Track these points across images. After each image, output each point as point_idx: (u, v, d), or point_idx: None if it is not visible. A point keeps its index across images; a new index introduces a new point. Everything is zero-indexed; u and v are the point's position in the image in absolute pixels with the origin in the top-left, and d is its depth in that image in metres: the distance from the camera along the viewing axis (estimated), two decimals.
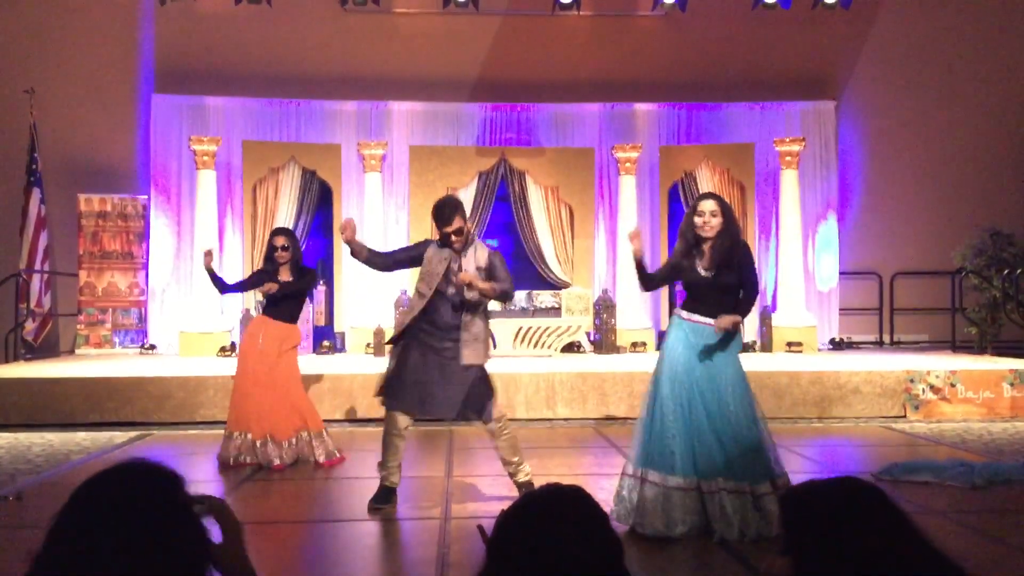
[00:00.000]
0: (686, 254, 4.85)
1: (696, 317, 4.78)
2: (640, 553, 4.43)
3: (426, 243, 5.66)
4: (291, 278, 6.72)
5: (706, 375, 4.68)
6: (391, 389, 5.42)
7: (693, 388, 4.67)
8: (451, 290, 5.34)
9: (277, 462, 6.58)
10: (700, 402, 4.65)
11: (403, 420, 5.43)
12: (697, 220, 4.78)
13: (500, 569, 1.52)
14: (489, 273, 5.38)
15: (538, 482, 5.07)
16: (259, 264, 11.84)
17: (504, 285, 5.35)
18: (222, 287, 6.92)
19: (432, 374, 5.29)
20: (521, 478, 5.45)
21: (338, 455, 6.80)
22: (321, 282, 12.09)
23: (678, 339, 4.78)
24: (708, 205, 4.80)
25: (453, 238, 5.36)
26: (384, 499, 5.41)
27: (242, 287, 7.18)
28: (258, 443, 6.62)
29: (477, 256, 5.42)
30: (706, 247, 4.81)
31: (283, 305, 6.74)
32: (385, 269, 5.78)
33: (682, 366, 4.71)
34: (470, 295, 5.29)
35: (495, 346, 5.37)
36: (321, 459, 6.71)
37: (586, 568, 1.50)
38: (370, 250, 5.54)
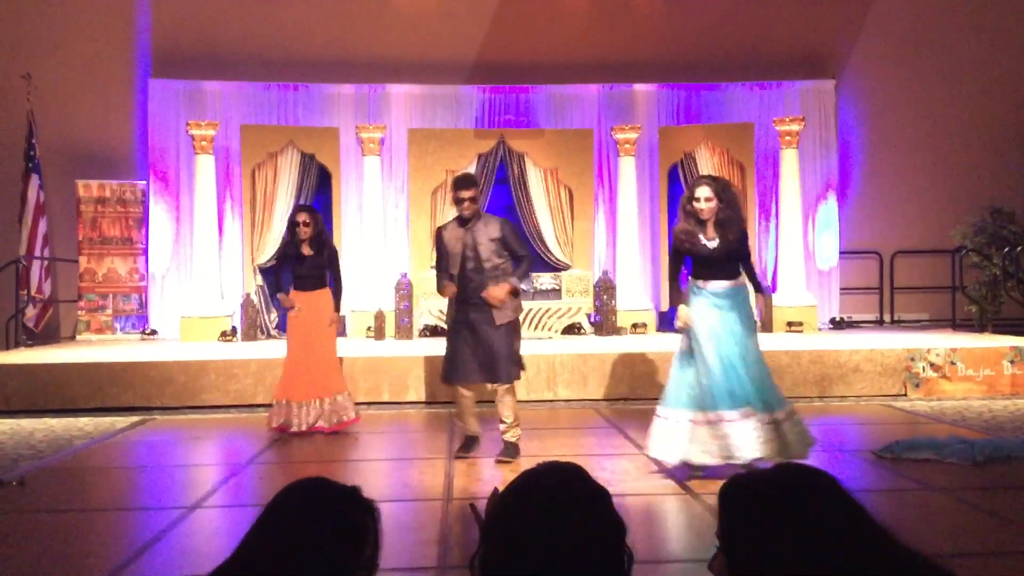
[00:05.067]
0: (690, 231, 5.54)
1: (710, 284, 5.52)
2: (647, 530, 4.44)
3: (439, 234, 6.26)
4: (312, 251, 7.18)
5: (729, 326, 5.46)
6: (449, 368, 6.14)
7: (723, 337, 5.43)
8: (469, 264, 6.00)
9: (323, 424, 7.13)
10: (729, 347, 5.41)
11: (462, 388, 6.15)
12: (696, 205, 5.52)
13: (497, 549, 1.51)
14: (503, 243, 6.05)
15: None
16: (259, 246, 11.93)
17: (521, 267, 6.08)
18: (285, 285, 7.36)
19: (468, 346, 6.01)
20: (508, 436, 6.07)
21: (346, 419, 7.25)
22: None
23: (702, 303, 5.52)
24: (703, 192, 5.51)
25: (466, 203, 6.00)
26: (468, 447, 6.18)
27: (285, 271, 7.45)
28: (302, 405, 7.08)
29: (488, 229, 6.05)
30: (708, 224, 5.53)
31: (309, 278, 7.20)
32: None
33: (710, 321, 5.45)
34: (488, 265, 5.98)
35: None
36: (352, 417, 7.25)
37: (586, 548, 1.49)
38: (449, 278, 6.16)
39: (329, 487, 1.69)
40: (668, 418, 5.50)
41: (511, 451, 6.06)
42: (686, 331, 5.54)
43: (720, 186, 5.61)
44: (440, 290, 6.24)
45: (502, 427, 6.08)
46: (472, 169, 12.24)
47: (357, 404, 8.02)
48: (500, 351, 5.95)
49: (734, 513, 1.56)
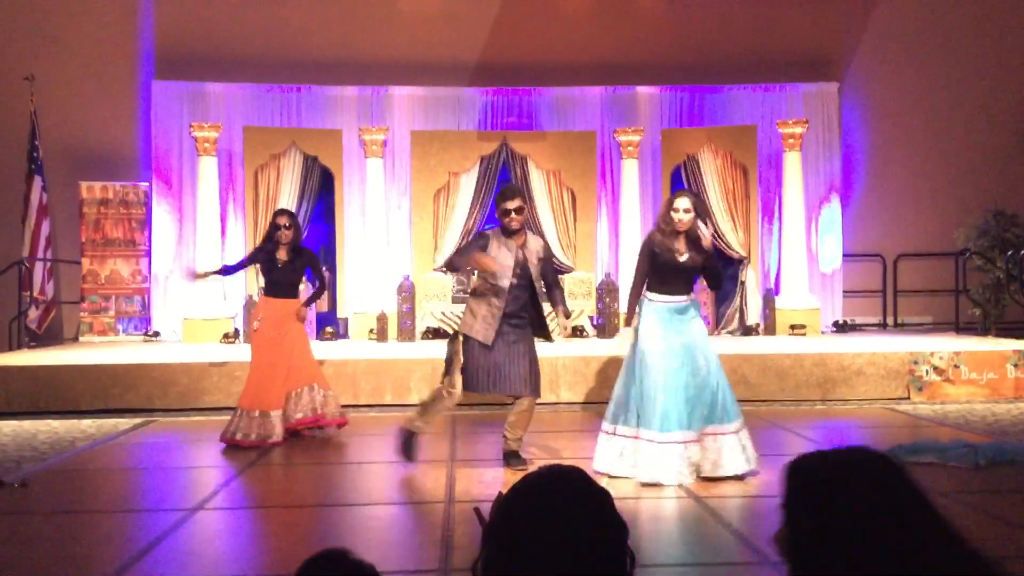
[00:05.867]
0: (663, 244, 5.64)
1: (667, 298, 5.63)
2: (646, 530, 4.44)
3: (485, 237, 6.08)
4: (288, 257, 7.09)
5: (683, 341, 5.53)
6: (472, 375, 5.89)
7: (678, 353, 5.49)
8: (515, 281, 5.86)
9: (289, 421, 6.97)
10: (684, 365, 5.47)
11: (460, 397, 5.98)
12: (674, 216, 5.59)
13: (499, 551, 1.51)
14: (547, 260, 6.05)
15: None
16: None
17: (561, 294, 6.17)
18: (224, 272, 7.48)
19: (500, 357, 5.83)
20: (512, 446, 5.95)
21: (321, 412, 7.13)
22: (325, 268, 12.10)
23: (655, 320, 5.59)
24: (683, 203, 5.60)
25: (512, 214, 5.82)
26: (413, 447, 6.01)
27: (242, 266, 7.55)
28: (272, 416, 6.89)
29: (536, 248, 5.99)
30: (680, 237, 5.63)
31: (283, 284, 7.10)
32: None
33: (665, 338, 5.52)
34: (538, 286, 5.96)
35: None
36: (335, 416, 7.16)
37: (589, 549, 1.49)
38: (457, 261, 6.22)
39: (347, 560, 1.75)
40: (616, 435, 5.62)
41: (521, 459, 6.00)
42: (631, 349, 5.63)
43: (700, 202, 5.78)
44: (478, 262, 5.76)
45: (511, 436, 5.96)
46: (474, 171, 12.25)
47: (358, 407, 8.03)
48: (533, 366, 5.95)
49: (800, 488, 1.59)
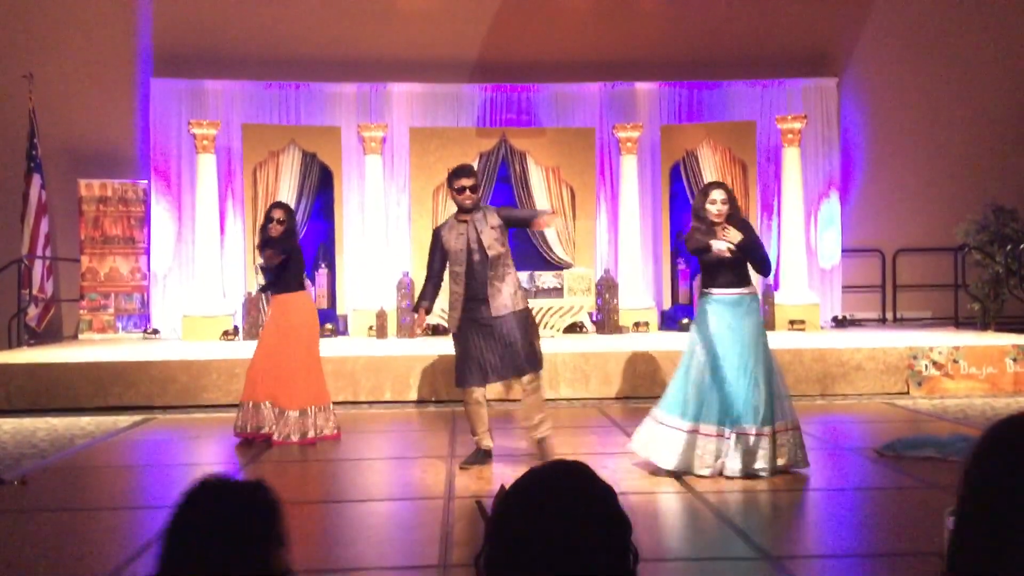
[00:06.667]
0: (703, 238, 5.60)
1: (722, 292, 5.61)
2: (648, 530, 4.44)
3: (437, 234, 6.01)
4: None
5: (732, 338, 5.51)
6: (461, 369, 5.89)
7: (732, 351, 5.48)
8: (475, 257, 5.77)
9: (279, 437, 6.68)
10: (732, 361, 5.46)
11: (477, 392, 5.87)
12: (711, 208, 5.60)
13: (502, 546, 1.51)
14: (509, 220, 5.94)
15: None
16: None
17: (530, 212, 6.08)
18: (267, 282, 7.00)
19: (481, 343, 5.77)
20: (542, 432, 5.83)
21: (334, 432, 6.93)
22: (323, 265, 12.11)
23: (710, 313, 5.59)
24: (719, 194, 5.64)
25: (467, 192, 5.79)
26: (478, 459, 5.88)
27: (267, 279, 7.01)
28: (263, 406, 6.74)
29: (489, 218, 5.84)
30: (717, 229, 5.59)
31: (276, 281, 6.80)
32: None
33: (721, 334, 5.52)
34: (492, 253, 5.74)
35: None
36: (324, 433, 6.83)
37: (592, 545, 1.48)
38: (432, 290, 6.04)
39: (231, 480, 1.73)
40: (666, 424, 5.57)
41: (546, 450, 5.84)
42: (688, 343, 5.70)
43: (731, 192, 5.77)
44: (416, 307, 6.05)
45: (528, 424, 5.85)
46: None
47: (357, 403, 8.00)
48: (516, 341, 5.72)
49: (979, 451, 1.48)
